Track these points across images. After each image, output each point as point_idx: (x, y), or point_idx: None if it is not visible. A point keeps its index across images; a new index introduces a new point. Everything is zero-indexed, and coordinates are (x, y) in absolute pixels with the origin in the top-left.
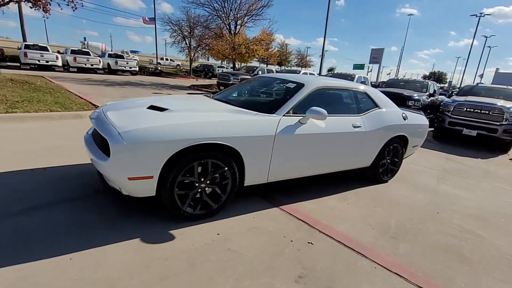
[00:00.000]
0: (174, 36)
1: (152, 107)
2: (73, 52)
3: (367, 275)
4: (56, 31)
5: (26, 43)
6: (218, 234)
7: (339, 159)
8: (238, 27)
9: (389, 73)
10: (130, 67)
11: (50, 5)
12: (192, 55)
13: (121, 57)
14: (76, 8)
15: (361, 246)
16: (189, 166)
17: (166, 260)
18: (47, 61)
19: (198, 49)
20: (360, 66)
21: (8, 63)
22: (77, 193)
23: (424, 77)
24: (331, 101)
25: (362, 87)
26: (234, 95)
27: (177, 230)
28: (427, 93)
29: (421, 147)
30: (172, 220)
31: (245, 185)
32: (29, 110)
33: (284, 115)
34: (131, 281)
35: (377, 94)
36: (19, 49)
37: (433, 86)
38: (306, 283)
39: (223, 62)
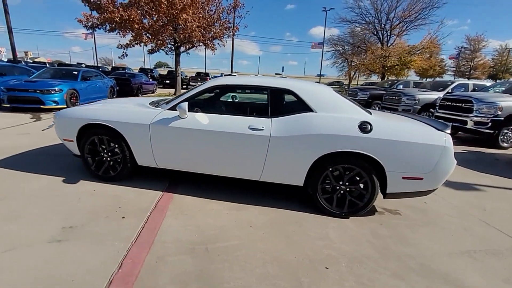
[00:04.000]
0: (336, 55)
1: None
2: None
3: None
4: (269, 64)
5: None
6: (94, 190)
7: (235, 162)
8: (394, 37)
9: None
10: None
11: (215, 45)
12: (353, 74)
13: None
14: (214, 51)
15: (147, 237)
16: (91, 138)
17: (52, 190)
18: None
19: (361, 67)
20: None
21: None
22: None
23: None
24: (235, 99)
25: (289, 85)
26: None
27: (84, 181)
28: None
29: None
30: (91, 176)
31: (139, 164)
32: None
33: (167, 109)
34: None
35: (314, 94)
36: None
37: None
38: (70, 228)
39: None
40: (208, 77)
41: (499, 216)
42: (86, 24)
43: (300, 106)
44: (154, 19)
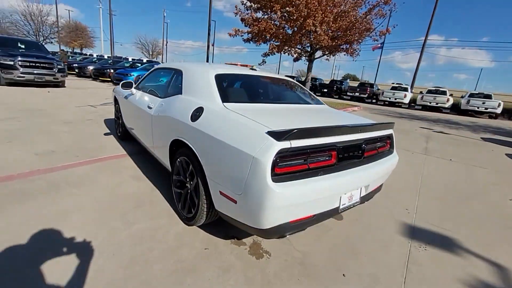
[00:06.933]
0: None
1: None
2: (429, 92)
3: None
4: (505, 79)
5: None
6: (104, 141)
7: (142, 135)
8: None
9: None
10: (486, 108)
11: (355, 51)
12: None
13: (488, 96)
14: (356, 56)
15: (56, 162)
16: (116, 106)
17: (84, 133)
18: (395, 99)
19: None
20: None
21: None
22: None
23: None
24: (161, 80)
25: (182, 68)
26: None
27: (111, 137)
28: None
29: None
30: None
31: (126, 128)
32: None
33: (133, 87)
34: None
35: (190, 76)
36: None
37: None
38: (53, 152)
39: None
40: (368, 88)
41: None
42: (242, 38)
43: (180, 88)
44: (288, 29)
